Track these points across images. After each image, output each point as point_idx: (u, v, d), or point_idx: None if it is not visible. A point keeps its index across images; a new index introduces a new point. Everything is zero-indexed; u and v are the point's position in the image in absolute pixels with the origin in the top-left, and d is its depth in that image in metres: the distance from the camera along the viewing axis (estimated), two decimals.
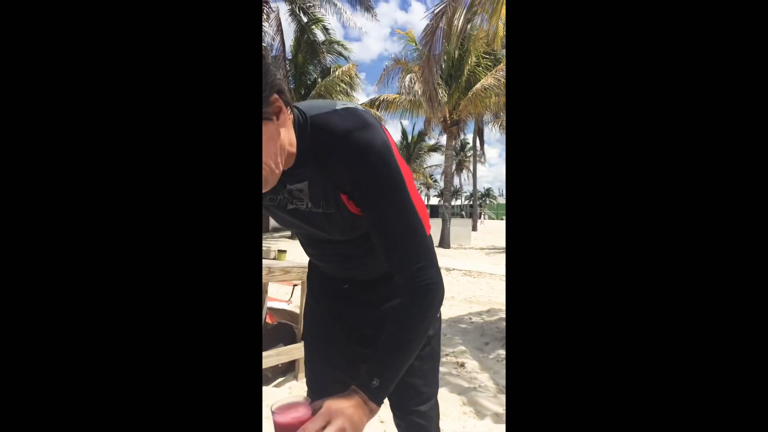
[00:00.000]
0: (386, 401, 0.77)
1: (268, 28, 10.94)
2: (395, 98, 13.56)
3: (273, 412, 0.67)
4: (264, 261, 2.43)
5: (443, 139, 15.73)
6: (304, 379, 2.37)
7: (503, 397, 2.32)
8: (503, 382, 2.54)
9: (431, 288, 0.75)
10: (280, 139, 0.67)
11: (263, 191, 0.71)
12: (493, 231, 26.05)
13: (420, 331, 0.75)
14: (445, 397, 2.30)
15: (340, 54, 14.60)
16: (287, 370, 2.52)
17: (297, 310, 2.84)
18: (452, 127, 13.05)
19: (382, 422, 1.94)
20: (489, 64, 12.55)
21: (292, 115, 0.70)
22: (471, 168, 30.96)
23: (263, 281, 2.34)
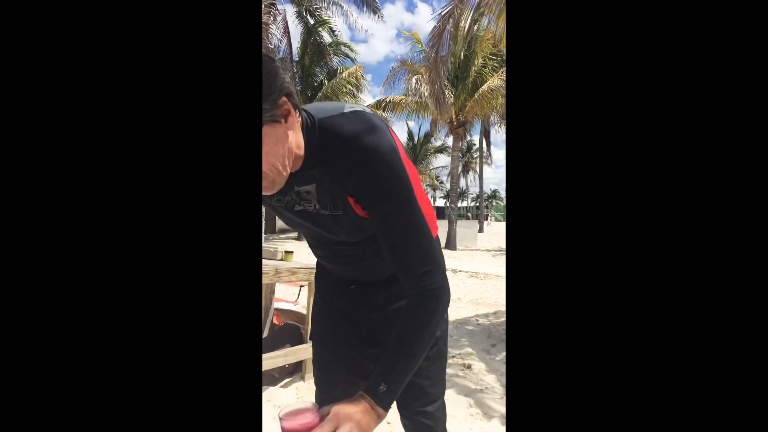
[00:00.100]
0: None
1: (275, 30, 11.00)
2: (401, 100, 13.57)
3: (281, 419, 0.68)
4: (271, 262, 2.44)
5: (449, 141, 15.74)
6: (311, 380, 2.36)
7: None
8: None
9: (436, 292, 0.75)
10: (288, 141, 0.68)
11: (270, 193, 0.71)
12: (500, 233, 25.94)
13: (426, 337, 0.75)
14: (451, 399, 2.30)
15: (347, 56, 14.65)
16: (294, 370, 2.52)
17: (304, 311, 2.85)
18: (459, 129, 13.04)
19: (388, 423, 1.94)
20: (495, 65, 12.52)
21: (300, 118, 0.71)
22: (477, 169, 30.91)
23: (270, 282, 2.35)
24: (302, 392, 2.29)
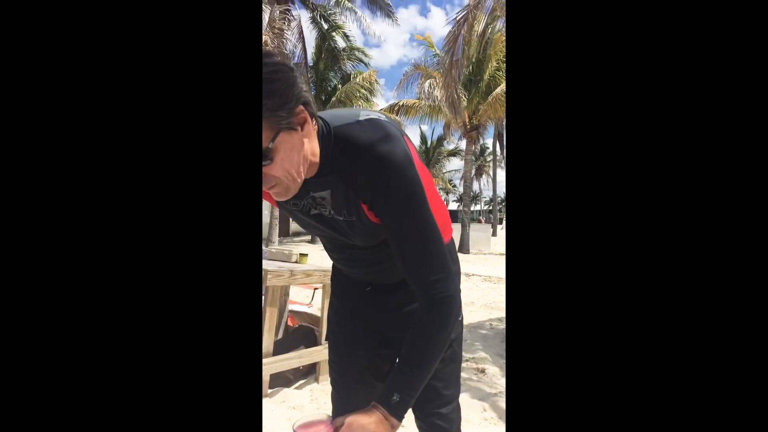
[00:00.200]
0: None
1: (289, 36, 11.12)
2: (414, 103, 13.59)
3: (294, 430, 0.68)
4: (286, 264, 2.47)
5: (463, 144, 15.66)
6: (325, 382, 2.37)
7: None
8: None
9: (447, 301, 0.75)
10: (304, 149, 0.69)
11: (285, 199, 0.73)
12: None
13: (438, 346, 0.75)
14: (466, 403, 2.29)
15: (360, 60, 14.72)
16: (308, 372, 2.54)
17: (318, 314, 2.87)
18: (472, 132, 12.99)
19: (403, 426, 1.94)
20: None
21: (316, 126, 0.72)
22: (491, 173, 30.71)
23: (285, 284, 2.37)
24: (316, 394, 2.31)
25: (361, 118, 0.75)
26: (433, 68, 12.85)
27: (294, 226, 16.36)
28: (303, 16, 13.38)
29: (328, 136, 0.74)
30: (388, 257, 0.89)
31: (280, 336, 2.56)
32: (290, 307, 2.92)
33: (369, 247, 0.88)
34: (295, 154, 0.68)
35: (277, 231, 11.55)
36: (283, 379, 2.40)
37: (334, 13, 13.61)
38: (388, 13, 12.94)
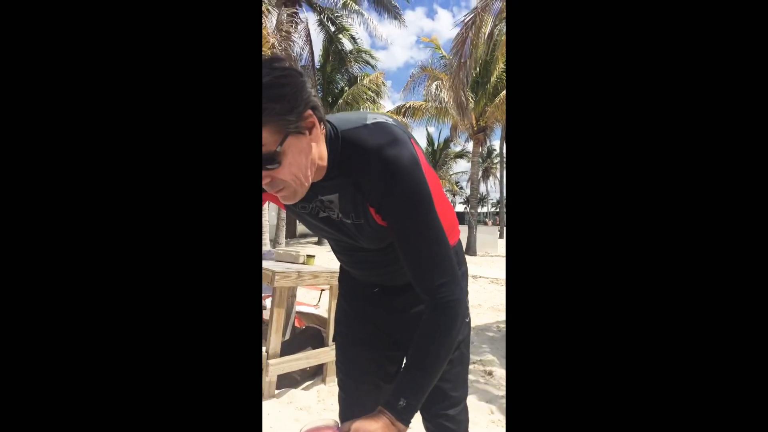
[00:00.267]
0: None
1: (297, 38, 11.18)
2: (421, 105, 13.59)
3: None
4: (293, 266, 2.48)
5: (470, 146, 15.64)
6: (332, 383, 2.38)
7: None
8: None
9: (452, 305, 0.75)
10: (312, 153, 0.70)
11: (292, 203, 0.73)
12: None
13: (443, 351, 0.75)
14: (473, 405, 2.28)
15: (367, 63, 14.76)
16: (315, 373, 2.55)
17: (325, 315, 2.87)
18: (479, 134, 12.97)
19: (410, 428, 1.94)
20: None
21: (324, 130, 0.73)
22: (498, 175, 30.59)
23: (292, 285, 2.39)
24: (323, 395, 2.31)
25: (368, 122, 0.75)
26: (439, 70, 12.86)
27: (301, 227, 16.41)
28: (310, 18, 13.46)
29: (336, 140, 0.74)
30: (396, 260, 0.89)
31: (287, 337, 2.57)
32: (297, 308, 2.93)
33: (377, 249, 0.88)
34: (303, 158, 0.68)
35: (284, 232, 11.60)
36: (290, 380, 2.41)
37: (341, 16, 13.66)
38: (396, 15, 12.97)
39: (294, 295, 2.76)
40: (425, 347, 0.75)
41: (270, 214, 11.91)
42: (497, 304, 5.45)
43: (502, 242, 19.53)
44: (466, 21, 8.84)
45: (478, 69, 12.41)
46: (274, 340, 2.14)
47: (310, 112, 0.68)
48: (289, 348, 2.35)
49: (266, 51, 8.27)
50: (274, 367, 2.14)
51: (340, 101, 13.21)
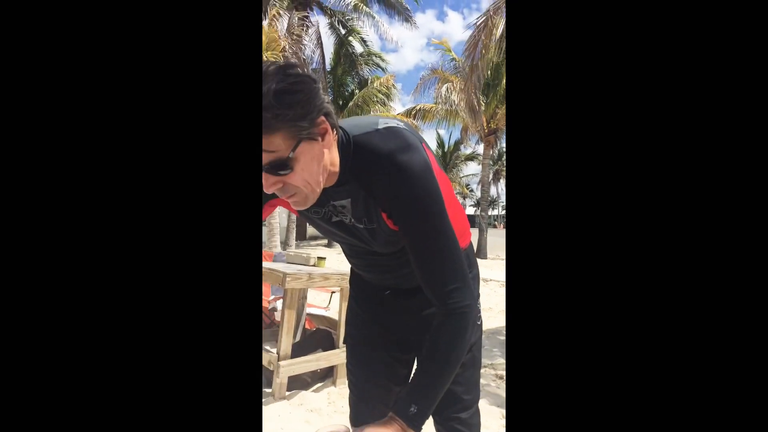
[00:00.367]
0: None
1: (308, 42, 11.26)
2: (431, 107, 13.59)
3: None
4: (304, 268, 2.49)
5: (480, 148, 15.59)
6: (342, 385, 2.38)
7: None
8: None
9: (463, 310, 0.75)
10: (324, 159, 0.70)
11: (303, 208, 0.74)
12: None
13: (454, 356, 0.75)
14: (484, 409, 2.26)
15: (378, 65, 14.80)
16: (326, 375, 2.55)
17: (335, 317, 2.88)
18: (489, 136, 12.92)
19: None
20: None
21: (336, 136, 0.73)
22: None
23: (303, 287, 2.40)
24: (333, 397, 2.31)
25: (380, 127, 0.75)
26: (450, 72, 12.84)
27: (311, 229, 16.49)
28: (321, 21, 13.55)
29: (348, 146, 0.75)
30: (408, 263, 0.89)
31: (297, 339, 2.58)
32: (308, 310, 2.94)
33: (389, 253, 0.88)
34: (315, 164, 0.68)
35: (294, 234, 11.66)
36: (300, 382, 2.42)
37: (352, 18, 13.74)
38: (407, 17, 13.01)
39: (305, 297, 2.77)
40: (436, 353, 0.74)
41: (281, 216, 11.97)
42: None
43: None
44: (478, 24, 8.83)
45: (489, 71, 12.38)
46: (284, 342, 2.15)
47: (323, 118, 0.68)
48: (299, 350, 2.36)
49: (278, 54, 8.33)
50: (285, 368, 2.15)
51: (351, 104, 13.26)
